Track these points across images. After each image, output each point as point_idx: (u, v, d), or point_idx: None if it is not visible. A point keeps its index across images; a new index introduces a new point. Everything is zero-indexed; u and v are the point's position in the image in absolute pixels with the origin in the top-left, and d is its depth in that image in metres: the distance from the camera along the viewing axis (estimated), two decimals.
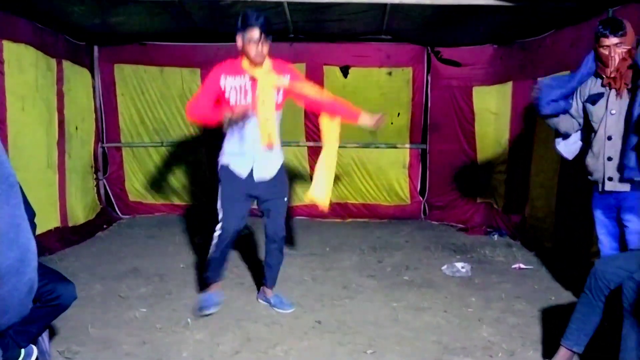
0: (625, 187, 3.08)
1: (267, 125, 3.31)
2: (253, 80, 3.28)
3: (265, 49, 3.21)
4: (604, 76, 3.11)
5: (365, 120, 3.44)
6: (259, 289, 3.92)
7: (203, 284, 3.91)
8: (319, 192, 3.52)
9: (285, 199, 3.58)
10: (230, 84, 3.29)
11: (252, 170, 3.39)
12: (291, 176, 6.69)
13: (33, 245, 0.92)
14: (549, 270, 4.58)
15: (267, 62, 3.30)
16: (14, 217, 0.86)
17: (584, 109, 3.25)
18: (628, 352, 2.37)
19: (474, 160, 6.39)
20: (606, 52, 3.06)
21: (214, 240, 3.53)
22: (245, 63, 3.28)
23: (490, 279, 4.41)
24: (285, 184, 3.60)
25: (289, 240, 5.43)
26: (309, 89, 3.44)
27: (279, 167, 3.49)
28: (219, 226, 3.49)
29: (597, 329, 2.65)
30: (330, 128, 3.45)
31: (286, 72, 3.39)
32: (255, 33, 3.14)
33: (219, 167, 3.50)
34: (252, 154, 3.38)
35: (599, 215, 3.32)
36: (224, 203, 3.45)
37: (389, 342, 3.21)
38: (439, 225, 6.44)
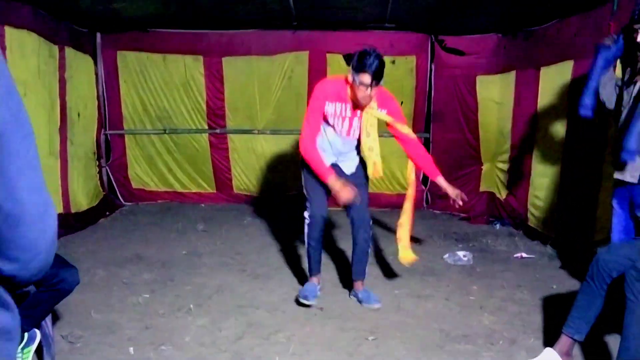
0: (633, 179, 3.06)
1: (372, 155, 3.39)
2: (353, 108, 3.31)
3: (373, 92, 3.17)
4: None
5: (442, 183, 3.53)
6: (259, 276, 3.93)
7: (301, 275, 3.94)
8: (407, 252, 3.61)
9: (367, 188, 3.60)
10: (332, 108, 3.32)
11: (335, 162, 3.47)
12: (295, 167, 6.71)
13: (50, 199, 0.94)
14: (551, 259, 4.59)
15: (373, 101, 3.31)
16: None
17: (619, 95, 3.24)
18: (630, 340, 2.37)
19: (476, 149, 6.38)
20: (636, 36, 3.02)
21: (306, 230, 3.52)
22: (349, 92, 3.27)
23: (492, 268, 4.41)
24: (366, 175, 3.58)
25: (293, 229, 5.44)
26: (402, 127, 3.43)
27: (357, 164, 3.57)
28: (306, 214, 3.49)
29: (598, 317, 2.65)
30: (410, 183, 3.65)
31: (386, 105, 3.37)
32: (366, 78, 3.09)
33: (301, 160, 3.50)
34: (334, 156, 3.48)
35: (615, 205, 3.31)
36: (309, 190, 3.47)
37: (390, 329, 3.23)
38: (441, 214, 6.44)
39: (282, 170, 6.58)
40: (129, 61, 6.47)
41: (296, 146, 6.55)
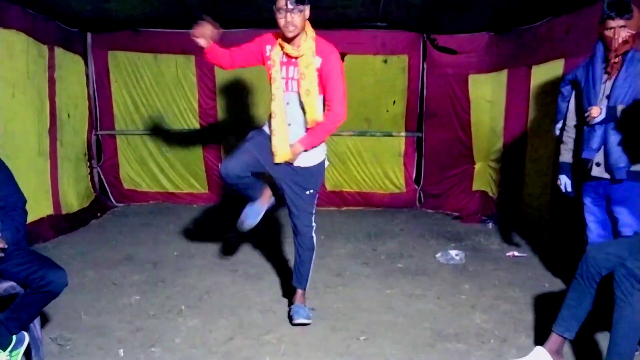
0: (608, 175, 3.10)
1: (313, 112, 3.03)
2: (288, 56, 3.03)
3: (296, 19, 2.89)
4: (609, 60, 3.10)
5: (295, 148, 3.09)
6: (250, 276, 3.91)
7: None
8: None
9: (309, 192, 3.20)
10: (272, 53, 3.06)
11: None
12: None
13: None
14: (543, 258, 4.59)
15: (309, 41, 3.00)
16: None
17: (581, 93, 3.28)
18: (619, 338, 2.38)
19: (469, 148, 6.38)
20: (610, 34, 3.05)
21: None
22: (281, 38, 3.03)
23: (484, 267, 4.41)
24: (316, 178, 3.22)
25: (285, 230, 5.43)
26: (330, 89, 3.03)
27: (316, 161, 3.18)
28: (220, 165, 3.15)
29: (588, 315, 2.65)
30: None
31: (323, 54, 3.01)
32: (281, 2, 2.87)
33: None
34: (285, 135, 3.09)
35: (587, 203, 3.35)
36: (240, 145, 3.16)
37: (382, 328, 3.22)
38: (434, 213, 6.44)
39: None
40: (120, 61, 6.44)
41: None
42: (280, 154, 3.09)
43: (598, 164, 3.16)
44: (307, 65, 3.00)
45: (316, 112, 3.06)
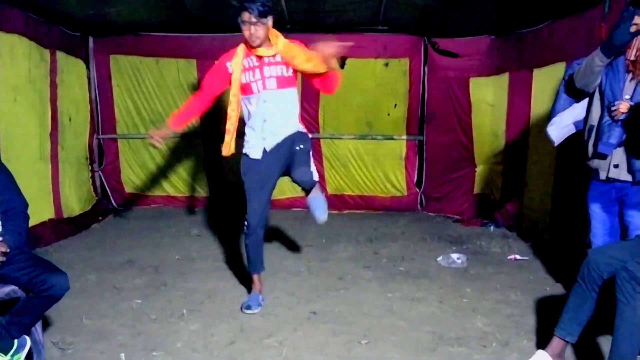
0: (630, 177, 3.00)
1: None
2: (259, 58, 3.36)
3: (260, 31, 3.23)
4: (627, 58, 2.97)
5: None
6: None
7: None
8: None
9: (301, 146, 3.42)
10: (238, 66, 3.36)
11: (264, 149, 3.45)
12: None
13: None
14: (545, 261, 4.59)
15: (279, 38, 3.34)
16: None
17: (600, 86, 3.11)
18: (620, 342, 2.37)
19: (470, 151, 6.38)
20: (632, 30, 2.90)
21: (245, 232, 3.57)
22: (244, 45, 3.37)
23: (486, 270, 4.41)
24: (298, 137, 3.46)
25: (285, 231, 5.44)
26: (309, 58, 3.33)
27: (293, 131, 3.46)
28: (246, 222, 3.52)
29: (590, 318, 2.64)
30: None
31: (285, 48, 3.36)
32: (245, 15, 3.19)
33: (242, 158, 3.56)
34: (261, 133, 3.44)
35: (595, 209, 3.23)
36: (247, 194, 3.48)
37: (383, 332, 3.22)
38: (435, 216, 6.43)
39: None
40: (121, 65, 6.46)
41: None
42: (227, 149, 3.49)
43: (616, 166, 3.03)
44: (288, 51, 3.35)
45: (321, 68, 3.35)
